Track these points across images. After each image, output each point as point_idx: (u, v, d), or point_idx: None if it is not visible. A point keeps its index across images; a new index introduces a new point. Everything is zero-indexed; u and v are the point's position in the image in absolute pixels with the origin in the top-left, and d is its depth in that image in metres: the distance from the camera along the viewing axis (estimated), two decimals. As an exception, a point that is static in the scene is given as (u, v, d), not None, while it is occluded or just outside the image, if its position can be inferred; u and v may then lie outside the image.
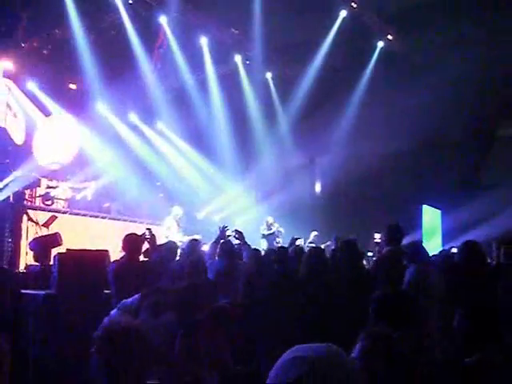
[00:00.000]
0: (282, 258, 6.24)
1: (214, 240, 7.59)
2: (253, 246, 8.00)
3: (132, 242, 6.09)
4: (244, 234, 7.92)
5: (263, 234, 13.80)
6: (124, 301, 4.74)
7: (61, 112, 14.65)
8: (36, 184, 12.64)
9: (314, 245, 12.08)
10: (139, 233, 6.73)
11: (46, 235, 9.72)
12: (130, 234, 6.35)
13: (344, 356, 1.30)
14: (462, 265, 5.40)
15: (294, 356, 1.24)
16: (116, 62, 14.45)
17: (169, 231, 10.87)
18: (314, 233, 13.85)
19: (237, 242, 7.82)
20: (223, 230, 8.04)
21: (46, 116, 14.75)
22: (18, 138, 13.91)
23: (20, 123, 14.10)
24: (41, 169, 13.63)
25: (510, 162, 16.60)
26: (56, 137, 14.83)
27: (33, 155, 13.92)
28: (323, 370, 1.20)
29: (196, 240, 7.41)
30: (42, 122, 14.66)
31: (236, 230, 8.13)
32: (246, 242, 7.53)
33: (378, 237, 11.38)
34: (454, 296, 4.53)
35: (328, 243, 12.85)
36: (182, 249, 7.69)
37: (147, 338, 2.46)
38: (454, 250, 8.62)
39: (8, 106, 13.69)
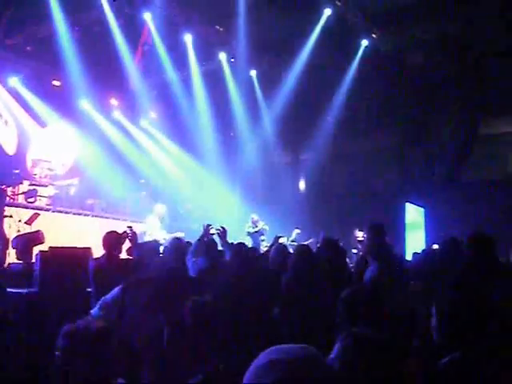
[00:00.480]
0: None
1: (198, 238, 7.57)
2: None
3: (112, 240, 6.07)
4: (227, 232, 7.90)
5: (248, 232, 13.77)
6: (104, 298, 4.70)
7: (46, 110, 14.57)
8: (19, 182, 12.54)
9: (295, 243, 12.09)
10: (123, 230, 6.70)
11: (28, 233, 9.66)
12: (111, 231, 6.31)
13: (321, 357, 1.25)
14: (444, 262, 5.44)
15: (268, 360, 1.20)
16: (100, 59, 14.39)
17: (152, 229, 10.82)
18: (297, 231, 13.86)
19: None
20: (207, 228, 8.03)
21: (42, 127, 14.66)
22: (9, 148, 13.77)
23: (12, 132, 13.97)
24: (31, 177, 13.51)
25: (491, 160, 16.75)
26: (52, 149, 14.77)
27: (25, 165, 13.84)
28: (299, 374, 1.16)
29: (178, 238, 7.39)
30: (36, 133, 14.54)
31: (221, 227, 8.13)
32: (227, 242, 7.51)
33: (360, 235, 11.44)
34: (433, 294, 4.56)
35: (310, 241, 12.89)
36: (165, 247, 7.66)
37: (116, 341, 2.44)
38: (436, 247, 8.71)
39: None
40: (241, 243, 6.85)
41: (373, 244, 5.60)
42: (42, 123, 14.64)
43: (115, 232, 6.35)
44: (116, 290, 4.59)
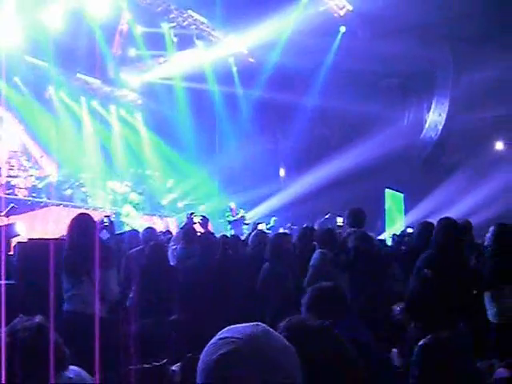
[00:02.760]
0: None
1: (181, 226, 7.65)
2: (217, 232, 8.07)
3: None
4: (208, 221, 7.98)
5: (228, 221, 13.80)
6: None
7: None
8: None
9: (271, 231, 12.12)
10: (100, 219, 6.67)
11: (6, 224, 9.57)
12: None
13: (273, 334, 1.27)
14: (417, 245, 5.47)
15: (219, 337, 1.25)
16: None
17: (128, 218, 10.82)
18: (274, 218, 13.93)
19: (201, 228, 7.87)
20: (190, 216, 8.09)
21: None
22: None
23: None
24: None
25: (470, 143, 16.86)
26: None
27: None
28: (246, 350, 1.20)
29: (152, 228, 7.41)
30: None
31: (203, 216, 8.20)
32: (208, 230, 7.60)
33: (340, 220, 11.49)
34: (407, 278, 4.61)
35: (288, 225, 12.99)
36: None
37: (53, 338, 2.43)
38: (410, 230, 8.80)
39: None
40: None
41: (320, 231, 5.73)
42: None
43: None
44: None
